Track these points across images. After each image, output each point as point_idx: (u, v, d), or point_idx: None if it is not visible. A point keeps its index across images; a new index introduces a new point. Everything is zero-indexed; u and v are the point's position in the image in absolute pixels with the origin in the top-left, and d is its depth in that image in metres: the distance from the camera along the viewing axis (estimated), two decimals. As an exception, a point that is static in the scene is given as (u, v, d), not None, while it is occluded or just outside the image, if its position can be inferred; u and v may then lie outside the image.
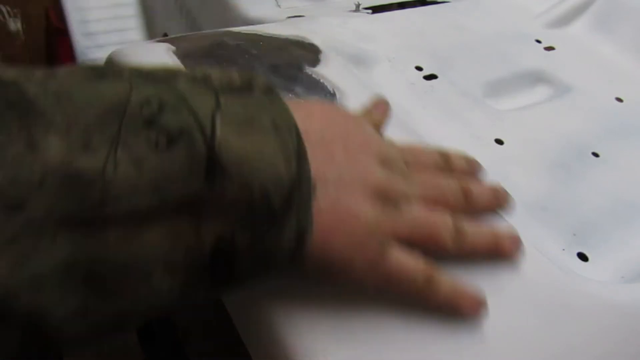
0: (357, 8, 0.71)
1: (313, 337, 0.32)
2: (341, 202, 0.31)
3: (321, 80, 0.51)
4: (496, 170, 0.49)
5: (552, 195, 0.48)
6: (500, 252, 0.37)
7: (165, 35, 1.08)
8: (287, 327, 0.33)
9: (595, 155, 0.53)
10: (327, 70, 0.52)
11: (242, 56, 0.52)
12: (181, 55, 0.51)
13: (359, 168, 0.32)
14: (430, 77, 0.59)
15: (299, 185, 0.28)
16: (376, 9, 0.71)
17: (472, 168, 0.41)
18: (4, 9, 2.02)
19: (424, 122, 0.52)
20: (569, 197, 0.48)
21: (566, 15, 0.73)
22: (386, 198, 0.33)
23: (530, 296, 0.36)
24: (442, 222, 0.34)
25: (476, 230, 0.36)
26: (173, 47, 0.52)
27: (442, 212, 0.35)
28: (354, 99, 0.49)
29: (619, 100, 0.61)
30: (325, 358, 0.32)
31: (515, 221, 0.40)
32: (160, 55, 0.50)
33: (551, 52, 0.67)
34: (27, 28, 2.07)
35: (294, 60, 0.53)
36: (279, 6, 0.79)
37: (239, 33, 0.56)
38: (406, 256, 0.33)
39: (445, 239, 0.34)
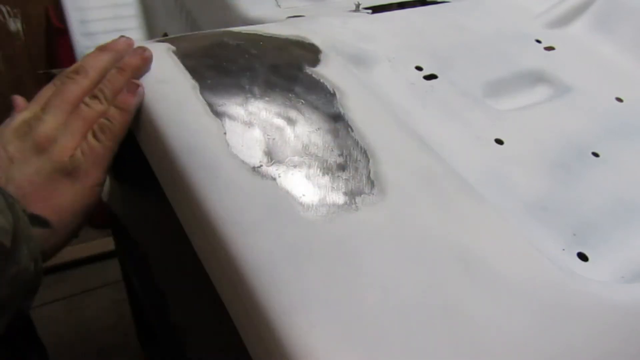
0: (357, 8, 0.71)
1: (313, 337, 0.32)
2: (22, 174, 0.44)
3: (321, 80, 0.51)
4: (496, 170, 0.49)
5: (552, 195, 0.48)
6: (133, 71, 0.48)
7: (165, 35, 1.08)
8: (286, 326, 0.33)
9: (595, 155, 0.53)
10: (327, 70, 0.52)
11: (242, 56, 0.52)
12: (181, 55, 0.51)
13: (5, 152, 0.45)
14: (430, 77, 0.59)
15: (18, 224, 0.39)
16: (376, 9, 0.71)
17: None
18: (4, 9, 2.02)
19: (424, 122, 0.52)
20: (569, 197, 0.48)
21: (566, 15, 0.73)
22: (39, 146, 0.45)
23: (530, 296, 0.36)
24: (81, 110, 0.47)
25: (107, 84, 0.48)
26: (173, 47, 0.52)
27: (79, 109, 0.47)
28: (354, 99, 0.49)
29: (619, 100, 0.61)
30: (325, 357, 0.32)
31: (515, 221, 0.40)
32: (160, 55, 0.50)
33: (551, 52, 0.67)
34: (27, 28, 2.07)
35: (294, 60, 0.53)
36: (279, 6, 0.79)
37: (239, 33, 0.56)
38: (84, 147, 0.46)
39: (93, 112, 0.47)
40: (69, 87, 0.47)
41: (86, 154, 0.45)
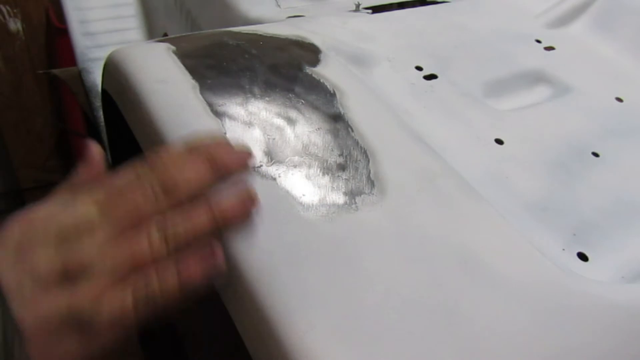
0: (357, 8, 0.71)
1: (313, 337, 0.32)
2: (36, 309, 0.33)
3: (321, 80, 0.51)
4: (496, 170, 0.49)
5: (552, 195, 0.48)
6: (225, 224, 0.36)
7: (165, 35, 1.08)
8: (287, 327, 0.33)
9: (595, 155, 0.53)
10: (327, 70, 0.52)
11: (242, 56, 0.52)
12: (181, 55, 0.51)
13: (30, 265, 0.34)
14: (430, 77, 0.59)
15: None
16: (376, 9, 0.71)
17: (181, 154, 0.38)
18: (4, 9, 2.02)
19: (424, 122, 0.52)
20: (569, 197, 0.48)
21: (566, 15, 0.73)
22: (69, 277, 0.34)
23: (530, 296, 0.36)
24: (138, 244, 0.35)
25: (186, 222, 0.35)
26: (173, 47, 0.52)
27: (139, 236, 0.35)
28: (354, 99, 0.49)
29: (619, 100, 0.61)
30: (325, 357, 0.32)
31: (515, 221, 0.40)
32: (160, 55, 0.50)
33: (551, 52, 0.67)
34: (27, 28, 2.07)
35: (294, 60, 0.53)
36: (279, 6, 0.79)
37: (239, 33, 0.56)
38: (115, 305, 0.34)
39: (149, 253, 0.34)
40: (145, 208, 0.36)
41: (112, 313, 0.34)
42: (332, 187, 0.41)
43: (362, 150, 0.44)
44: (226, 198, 0.36)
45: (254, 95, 0.47)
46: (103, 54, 0.56)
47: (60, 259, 0.34)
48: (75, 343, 0.34)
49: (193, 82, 0.47)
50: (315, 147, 0.44)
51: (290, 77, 0.50)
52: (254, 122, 0.45)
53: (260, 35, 0.56)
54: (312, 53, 0.55)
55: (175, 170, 0.36)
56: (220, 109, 0.45)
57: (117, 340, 0.35)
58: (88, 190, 0.37)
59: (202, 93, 0.46)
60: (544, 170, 0.50)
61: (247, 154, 0.39)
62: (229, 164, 0.38)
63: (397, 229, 0.39)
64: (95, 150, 0.41)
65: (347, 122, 0.47)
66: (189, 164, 0.37)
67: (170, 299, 0.35)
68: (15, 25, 2.06)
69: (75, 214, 0.36)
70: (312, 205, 0.39)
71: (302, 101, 0.48)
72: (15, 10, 2.04)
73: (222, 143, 0.39)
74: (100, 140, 1.05)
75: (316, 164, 0.43)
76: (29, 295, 0.33)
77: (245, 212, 0.37)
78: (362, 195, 0.41)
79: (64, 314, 0.33)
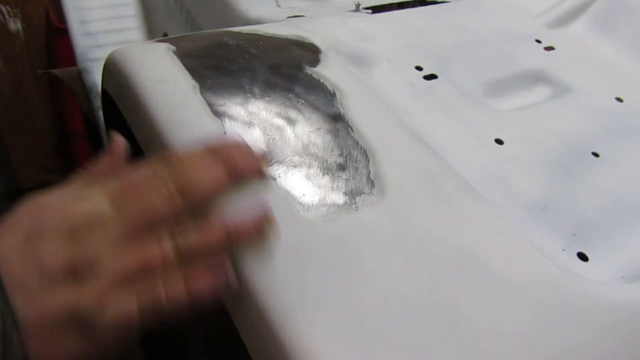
0: (357, 8, 0.71)
1: (313, 337, 0.32)
2: (39, 304, 0.32)
3: (321, 80, 0.51)
4: (496, 170, 0.49)
5: (552, 195, 0.48)
6: (238, 238, 0.35)
7: (165, 35, 1.08)
8: (287, 327, 0.33)
9: (595, 155, 0.53)
10: (327, 70, 0.52)
11: (242, 56, 0.52)
12: (181, 55, 0.51)
13: (38, 258, 0.33)
14: (430, 77, 0.59)
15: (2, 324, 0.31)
16: (376, 9, 0.71)
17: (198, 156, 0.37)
18: (4, 9, 2.02)
19: (424, 122, 0.52)
20: (569, 197, 0.48)
21: (566, 15, 0.73)
22: (76, 273, 0.33)
23: (530, 296, 0.36)
24: (149, 249, 0.34)
25: (200, 234, 0.35)
26: (173, 47, 0.52)
27: (150, 239, 0.34)
28: (354, 99, 0.49)
29: (619, 100, 0.61)
30: (325, 357, 0.32)
31: (515, 221, 0.40)
32: (160, 55, 0.50)
33: (551, 52, 0.67)
34: (27, 28, 2.07)
35: (294, 60, 0.53)
36: (279, 6, 0.79)
37: (239, 33, 0.56)
38: (120, 309, 0.33)
39: (160, 260, 0.34)
40: (159, 207, 0.35)
41: (117, 317, 0.33)
42: (332, 187, 0.41)
43: (362, 150, 0.44)
44: (243, 215, 0.36)
45: (254, 95, 0.47)
46: (103, 54, 0.56)
47: (70, 254, 0.33)
48: (75, 342, 0.33)
49: (193, 82, 0.47)
50: (315, 147, 0.44)
51: (290, 77, 0.50)
52: (254, 122, 0.45)
53: (260, 35, 0.56)
54: (312, 53, 0.55)
55: (191, 171, 0.36)
56: (220, 109, 0.45)
57: (118, 342, 0.34)
58: (103, 183, 0.36)
59: (202, 93, 0.46)
60: (544, 170, 0.50)
61: (265, 159, 0.39)
62: (245, 169, 0.37)
63: (397, 229, 0.39)
64: (119, 142, 0.40)
65: (347, 122, 0.47)
66: (206, 165, 0.36)
67: (175, 308, 0.34)
68: (15, 25, 2.05)
69: (88, 207, 0.35)
70: (312, 205, 0.39)
71: (302, 101, 0.48)
72: (15, 10, 2.04)
73: (242, 146, 0.39)
74: (100, 140, 1.05)
75: (316, 164, 0.43)
76: (34, 289, 0.32)
77: (260, 232, 0.36)
78: (362, 195, 0.41)
79: (67, 312, 0.33)
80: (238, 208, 0.36)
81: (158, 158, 0.37)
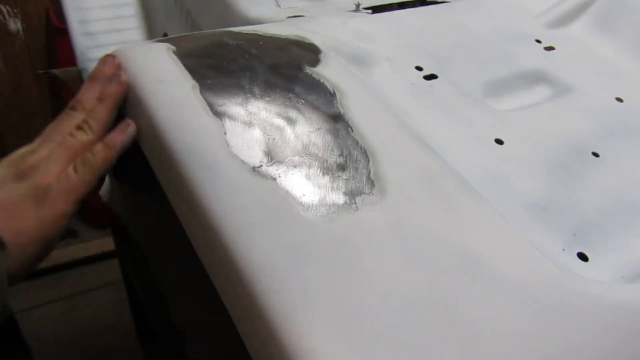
0: (357, 8, 0.71)
1: (313, 337, 0.32)
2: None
3: (321, 80, 0.51)
4: (496, 170, 0.49)
5: (552, 195, 0.48)
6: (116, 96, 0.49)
7: (165, 35, 1.08)
8: (287, 327, 0.33)
9: (595, 155, 0.53)
10: (327, 70, 0.52)
11: (242, 56, 0.52)
12: (181, 55, 0.51)
13: None
14: (430, 77, 0.59)
15: None
16: (376, 9, 0.71)
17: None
18: (4, 9, 2.02)
19: (424, 122, 0.52)
20: (569, 197, 0.48)
21: (566, 15, 0.73)
22: (22, 173, 0.46)
23: (530, 296, 0.36)
24: (66, 140, 0.48)
25: (94, 115, 0.49)
26: (173, 47, 0.52)
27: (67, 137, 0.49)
28: (354, 99, 0.49)
29: (619, 100, 0.61)
30: (325, 357, 0.32)
31: (515, 221, 0.40)
32: (160, 55, 0.50)
33: (551, 52, 0.67)
34: (27, 28, 2.07)
35: (294, 60, 0.53)
36: (279, 6, 0.79)
37: (239, 33, 0.56)
38: (61, 177, 0.47)
39: (77, 141, 0.48)
40: (64, 122, 0.49)
41: (61, 183, 0.46)
42: (332, 187, 0.41)
43: (362, 150, 0.44)
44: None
45: (254, 95, 0.47)
46: (103, 54, 0.56)
47: (14, 169, 0.47)
48: (34, 211, 0.45)
49: (193, 82, 0.47)
50: (315, 147, 0.44)
51: (290, 77, 0.50)
52: (254, 122, 0.45)
53: (260, 35, 0.56)
54: (312, 53, 0.55)
55: (80, 95, 0.51)
56: (220, 109, 0.45)
57: (72, 207, 0.47)
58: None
59: (202, 93, 0.46)
60: (544, 170, 0.50)
61: (117, 75, 0.50)
62: (107, 73, 0.51)
63: (397, 229, 0.39)
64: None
65: (347, 122, 0.47)
66: (87, 87, 0.51)
67: (104, 160, 0.47)
68: (15, 25, 2.06)
69: (23, 150, 0.49)
70: (312, 205, 0.39)
71: (302, 101, 0.48)
72: (15, 10, 2.04)
73: (101, 62, 0.52)
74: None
75: (316, 164, 0.43)
76: None
77: (121, 83, 0.49)
78: (362, 195, 0.41)
79: (20, 193, 0.45)
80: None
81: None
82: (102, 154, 0.47)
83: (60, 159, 0.47)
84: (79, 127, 0.48)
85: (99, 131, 0.49)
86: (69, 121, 0.49)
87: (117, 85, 0.49)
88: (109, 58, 0.52)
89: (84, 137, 0.48)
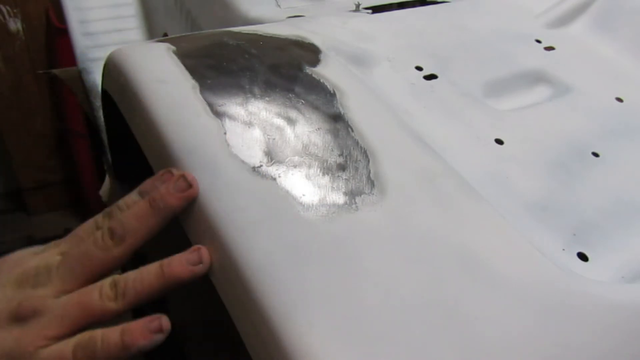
0: (357, 8, 0.71)
1: (313, 337, 0.32)
2: None
3: (321, 80, 0.51)
4: (496, 170, 0.49)
5: (552, 195, 0.48)
6: (169, 279, 0.38)
7: (165, 35, 1.08)
8: (287, 327, 0.33)
9: (595, 155, 0.53)
10: (327, 70, 0.52)
11: (242, 56, 0.52)
12: (181, 55, 0.51)
13: None
14: (430, 77, 0.59)
15: None
16: (376, 9, 0.71)
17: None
18: (4, 9, 2.02)
19: (424, 122, 0.52)
20: (569, 197, 0.48)
21: (566, 15, 0.73)
22: (19, 315, 0.36)
23: (530, 296, 0.36)
24: (89, 294, 0.37)
25: (137, 278, 0.38)
26: (173, 47, 0.52)
27: (91, 286, 0.37)
28: (354, 99, 0.49)
29: (619, 100, 0.61)
30: (325, 357, 0.32)
31: (515, 221, 0.40)
32: (160, 55, 0.50)
33: (551, 52, 0.67)
34: (27, 28, 2.07)
35: (294, 60, 0.53)
36: (279, 6, 0.79)
37: (239, 33, 0.56)
38: (55, 350, 0.35)
39: (99, 304, 0.37)
40: (96, 254, 0.38)
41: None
42: (332, 187, 0.41)
43: (362, 150, 0.44)
44: (176, 258, 0.39)
45: (254, 95, 0.47)
46: (103, 54, 0.56)
47: (15, 300, 0.37)
48: None
49: (193, 82, 0.47)
50: (315, 147, 0.44)
51: (290, 77, 0.50)
52: (254, 122, 0.45)
53: (260, 35, 0.56)
54: (312, 53, 0.55)
55: (118, 212, 0.40)
56: (220, 109, 0.45)
57: None
58: (60, 242, 0.41)
59: (202, 93, 0.46)
60: (544, 170, 0.50)
61: (193, 184, 0.40)
62: (165, 197, 0.40)
63: (397, 229, 0.39)
64: None
65: (347, 122, 0.47)
66: (134, 210, 0.40)
67: (111, 358, 0.36)
68: (15, 25, 2.06)
69: (39, 261, 0.39)
70: (312, 205, 0.39)
71: (302, 101, 0.48)
72: (15, 10, 2.04)
73: (165, 175, 0.41)
74: (100, 140, 1.05)
75: (316, 164, 0.43)
76: None
77: (193, 273, 0.38)
78: (362, 195, 0.41)
79: (5, 352, 0.35)
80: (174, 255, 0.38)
81: (103, 211, 0.41)
82: (112, 351, 0.36)
83: (69, 321, 0.36)
84: (114, 288, 0.37)
85: (130, 305, 0.37)
86: (103, 259, 0.38)
87: (192, 274, 0.38)
88: (177, 191, 0.40)
89: (111, 307, 0.37)
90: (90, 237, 0.39)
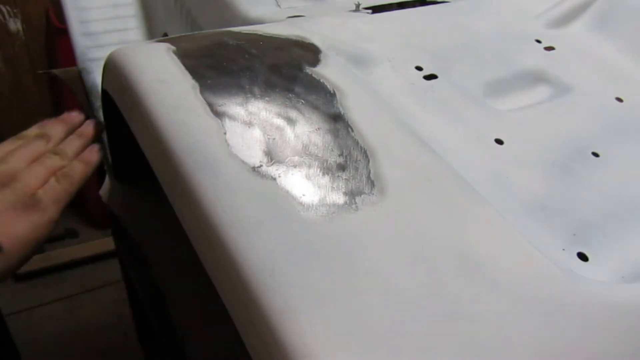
0: (357, 8, 0.71)
1: (313, 337, 0.32)
2: None
3: (321, 80, 0.51)
4: (496, 170, 0.49)
5: (552, 195, 0.48)
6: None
7: (165, 35, 1.08)
8: (287, 327, 0.33)
9: (595, 155, 0.53)
10: (327, 70, 0.52)
11: (242, 56, 0.52)
12: (181, 55, 0.51)
13: None
14: (430, 77, 0.59)
15: None
16: (376, 9, 0.71)
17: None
18: (4, 9, 2.02)
19: (424, 122, 0.52)
20: (569, 197, 0.48)
21: (566, 15, 0.73)
22: (4, 184, 0.51)
23: (530, 296, 0.36)
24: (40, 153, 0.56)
25: (70, 143, 0.59)
26: (173, 47, 0.52)
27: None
28: (354, 99, 0.49)
29: (619, 100, 0.61)
30: (325, 357, 0.32)
31: (515, 221, 0.40)
32: (160, 55, 0.50)
33: (551, 52, 0.67)
34: (27, 28, 2.08)
35: (294, 60, 0.53)
36: (279, 6, 0.79)
37: (239, 33, 0.56)
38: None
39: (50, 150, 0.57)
40: (34, 146, 0.57)
41: (47, 192, 0.53)
42: (332, 187, 0.41)
43: (362, 150, 0.44)
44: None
45: (254, 95, 0.47)
46: (103, 54, 0.56)
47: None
48: (26, 218, 0.50)
49: (193, 82, 0.47)
50: (315, 147, 0.44)
51: (290, 77, 0.50)
52: (254, 122, 0.45)
53: (260, 35, 0.56)
54: (312, 53, 0.55)
55: (47, 130, 0.59)
56: (220, 109, 0.45)
57: (59, 214, 0.53)
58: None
59: (202, 93, 0.46)
60: (544, 170, 0.50)
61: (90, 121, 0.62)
62: (74, 120, 0.62)
63: (397, 229, 0.39)
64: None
65: (347, 122, 0.47)
66: (54, 127, 0.60)
67: (82, 176, 0.56)
68: (15, 25, 2.06)
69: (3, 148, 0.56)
70: (312, 205, 0.39)
71: (302, 101, 0.48)
72: (15, 10, 2.04)
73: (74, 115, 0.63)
74: (100, 141, 1.05)
75: (316, 164, 0.43)
76: None
77: (96, 130, 0.61)
78: (362, 195, 0.41)
79: (11, 201, 0.50)
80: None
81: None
82: (81, 171, 0.56)
83: (41, 174, 0.53)
84: (57, 153, 0.56)
85: (74, 158, 0.57)
86: (39, 148, 0.56)
87: (93, 129, 0.61)
88: (75, 113, 0.63)
89: (59, 162, 0.56)
90: (28, 143, 0.58)
